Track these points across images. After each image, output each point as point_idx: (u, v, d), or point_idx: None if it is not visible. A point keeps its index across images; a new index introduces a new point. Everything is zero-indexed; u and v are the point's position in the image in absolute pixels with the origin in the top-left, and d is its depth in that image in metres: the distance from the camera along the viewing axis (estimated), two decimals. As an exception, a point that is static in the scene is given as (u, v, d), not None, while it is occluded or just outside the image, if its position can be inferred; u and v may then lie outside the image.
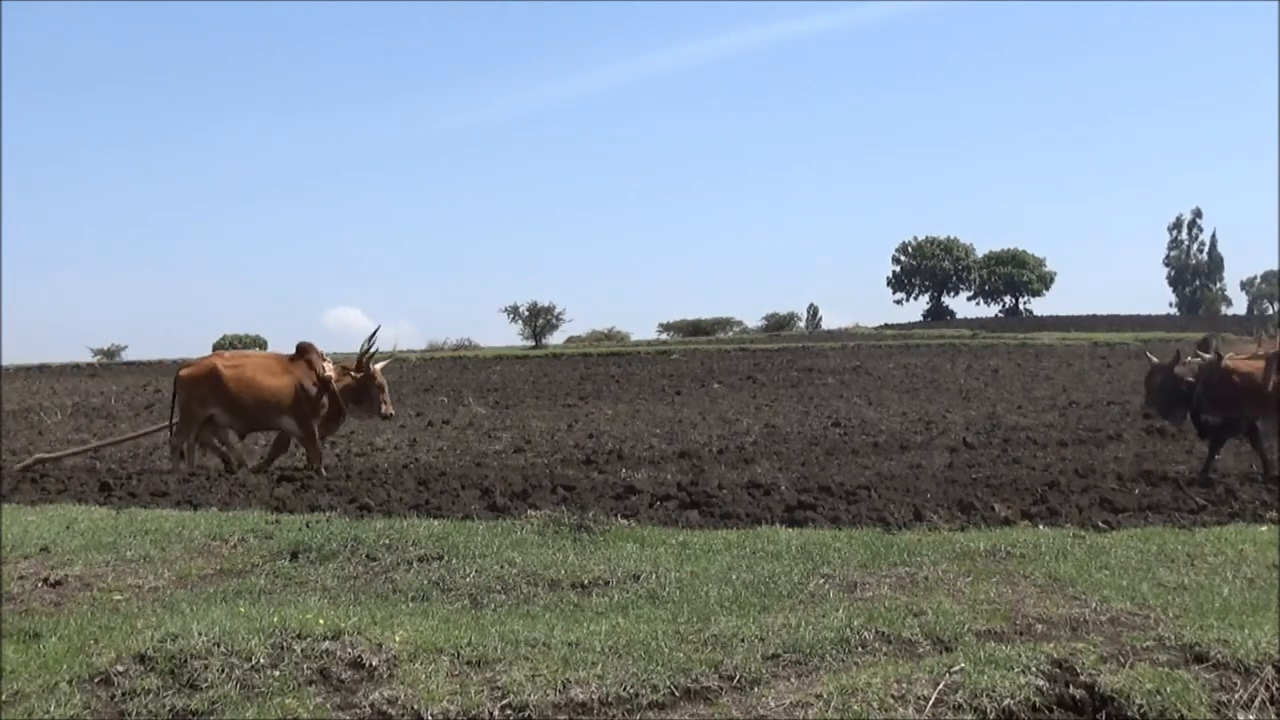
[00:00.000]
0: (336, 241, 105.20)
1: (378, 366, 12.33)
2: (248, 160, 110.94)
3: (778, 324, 56.67)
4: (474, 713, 4.05)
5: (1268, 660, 4.44)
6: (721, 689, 4.23)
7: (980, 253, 72.51)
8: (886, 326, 55.29)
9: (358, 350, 12.57)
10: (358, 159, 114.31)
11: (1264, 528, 7.42)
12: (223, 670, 4.28)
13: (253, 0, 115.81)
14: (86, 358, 42.79)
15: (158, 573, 6.27)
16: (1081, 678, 4.29)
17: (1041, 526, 7.45)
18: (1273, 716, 4.26)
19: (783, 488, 9.51)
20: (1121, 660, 4.43)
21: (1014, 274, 70.62)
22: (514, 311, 48.24)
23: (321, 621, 4.71)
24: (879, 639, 4.66)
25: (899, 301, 74.52)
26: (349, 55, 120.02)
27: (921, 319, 67.77)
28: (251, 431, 12.88)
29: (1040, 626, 4.90)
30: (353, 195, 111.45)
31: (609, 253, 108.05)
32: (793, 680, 4.29)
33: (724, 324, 54.99)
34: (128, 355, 44.37)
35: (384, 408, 12.28)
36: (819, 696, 4.10)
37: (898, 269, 74.55)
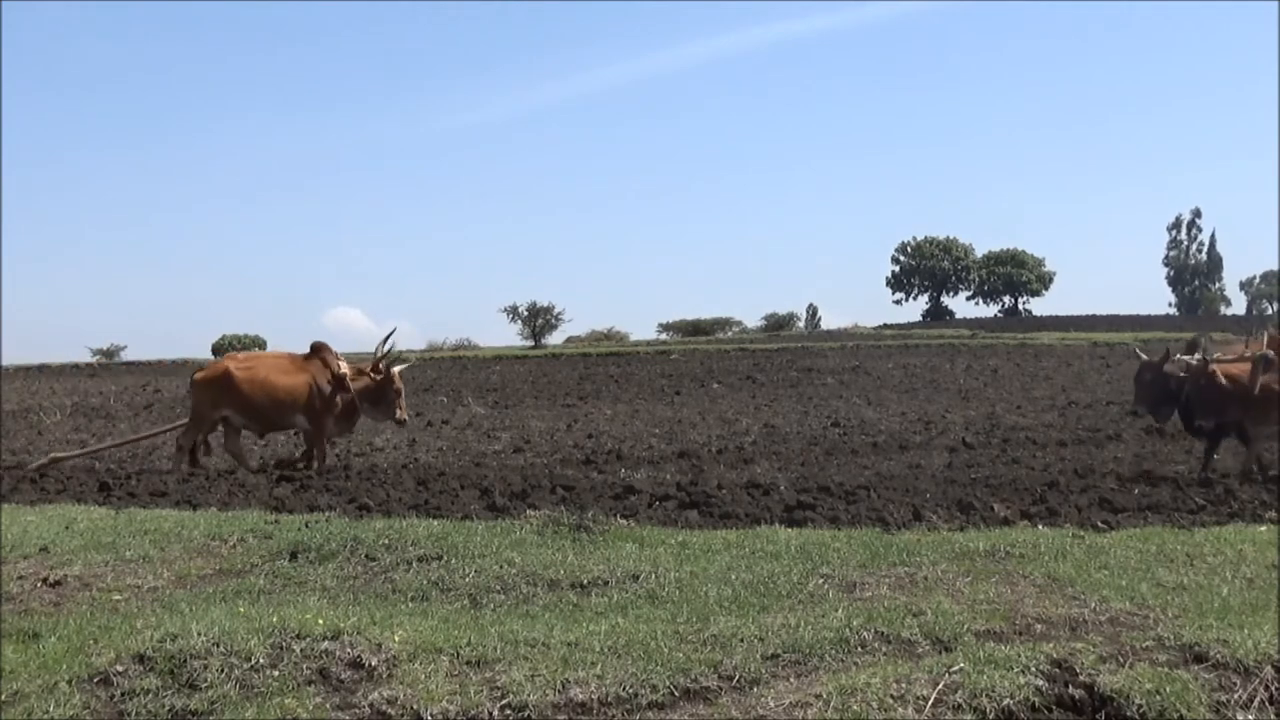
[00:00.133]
0: (336, 241, 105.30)
1: (397, 370, 12.34)
2: (248, 160, 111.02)
3: (777, 324, 56.66)
4: (473, 713, 4.05)
5: (1267, 660, 4.44)
6: (721, 689, 4.23)
7: (980, 253, 72.53)
8: (886, 326, 55.29)
9: (369, 351, 12.58)
10: (358, 159, 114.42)
11: (1263, 528, 7.43)
12: (222, 670, 4.28)
13: (253, 0, 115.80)
14: (86, 358, 42.83)
15: (157, 573, 6.27)
16: (1081, 678, 4.29)
17: (1041, 526, 7.45)
18: (1272, 716, 4.26)
19: (782, 488, 9.51)
20: (1121, 660, 4.44)
21: (1013, 274, 70.62)
22: (513, 311, 48.27)
23: (321, 621, 4.71)
24: (878, 639, 4.66)
25: (898, 301, 74.61)
26: (349, 55, 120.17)
27: (921, 319, 67.76)
28: (269, 432, 12.88)
29: (1040, 626, 4.90)
30: (353, 195, 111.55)
31: (609, 253, 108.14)
32: (792, 680, 4.29)
33: (723, 324, 54.99)
34: (127, 355, 44.46)
35: (399, 413, 12.27)
36: (818, 696, 4.10)
37: (897, 269, 74.59)
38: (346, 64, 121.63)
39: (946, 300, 73.36)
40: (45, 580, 6.09)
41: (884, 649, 4.59)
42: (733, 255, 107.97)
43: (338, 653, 4.45)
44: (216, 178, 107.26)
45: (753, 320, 57.22)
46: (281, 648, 4.47)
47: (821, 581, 5.75)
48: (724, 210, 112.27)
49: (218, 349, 46.17)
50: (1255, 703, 4.27)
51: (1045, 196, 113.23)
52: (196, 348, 52.20)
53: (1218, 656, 4.46)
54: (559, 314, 48.58)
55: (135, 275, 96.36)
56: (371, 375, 12.15)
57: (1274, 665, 4.43)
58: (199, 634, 4.52)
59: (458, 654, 4.46)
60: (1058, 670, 4.33)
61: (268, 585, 5.97)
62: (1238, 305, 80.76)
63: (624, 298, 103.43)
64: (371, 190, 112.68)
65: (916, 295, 74.26)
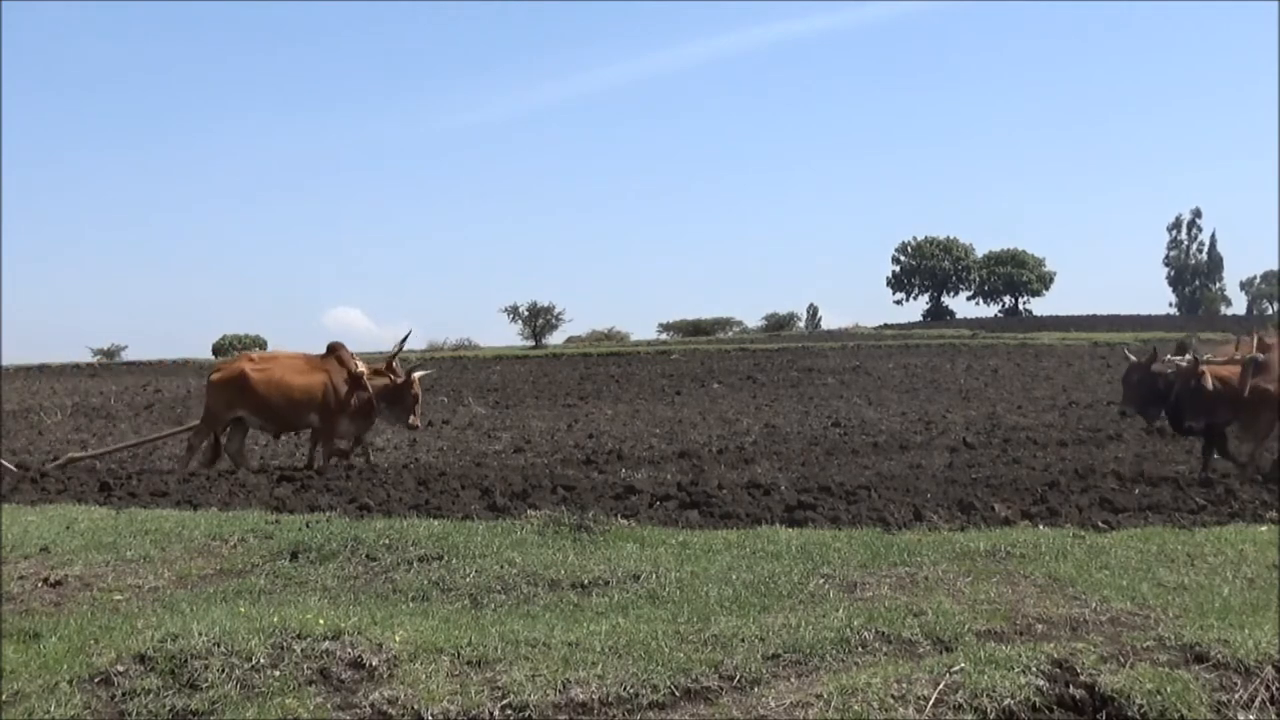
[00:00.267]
0: (336, 241, 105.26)
1: (418, 376, 12.37)
2: (248, 160, 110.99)
3: (778, 324, 56.63)
4: (474, 713, 4.05)
5: (1268, 660, 4.44)
6: (721, 689, 4.23)
7: (980, 253, 72.48)
8: (886, 326, 55.26)
9: (369, 351, 12.60)
10: (358, 159, 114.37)
11: (1264, 528, 7.42)
12: (223, 670, 4.29)
13: (253, 0, 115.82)
14: (86, 358, 42.80)
15: (158, 573, 6.28)
16: (1081, 678, 4.29)
17: (1041, 526, 7.45)
18: (1273, 716, 4.26)
19: (783, 488, 9.51)
20: (1121, 660, 4.43)
21: (1014, 274, 70.59)
22: (514, 311, 48.24)
23: (321, 621, 4.71)
24: (879, 639, 4.66)
25: (899, 301, 74.56)
26: (349, 55, 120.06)
27: (921, 319, 67.75)
28: (284, 432, 12.89)
29: (1040, 626, 4.90)
30: (353, 195, 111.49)
31: (609, 253, 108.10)
32: (793, 680, 4.29)
33: (724, 324, 54.96)
34: (128, 355, 44.41)
35: (413, 418, 12.30)
36: (819, 696, 4.10)
37: (897, 269, 74.55)
38: (346, 64, 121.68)
39: (947, 300, 73.39)
40: (46, 580, 6.10)
41: (885, 649, 4.59)
42: (733, 255, 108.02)
43: (338, 653, 4.45)
44: (216, 178, 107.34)
45: (753, 320, 57.25)
46: (282, 648, 4.47)
47: (822, 581, 5.75)
48: (724, 210, 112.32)
49: (218, 349, 46.21)
50: (1256, 703, 4.27)
51: (1045, 196, 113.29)
52: (197, 348, 52.28)
53: (1218, 656, 4.45)
54: (559, 314, 48.61)
55: (135, 275, 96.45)
56: (392, 377, 12.18)
57: (1275, 665, 4.43)
58: (200, 634, 4.52)
59: (458, 654, 4.46)
60: (1058, 670, 4.33)
61: (268, 585, 5.97)
62: (1238, 305, 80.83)
63: (624, 298, 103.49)
64: (371, 190, 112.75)
65: (917, 295, 74.27)
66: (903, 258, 74.20)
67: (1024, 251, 71.70)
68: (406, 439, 14.94)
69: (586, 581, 5.80)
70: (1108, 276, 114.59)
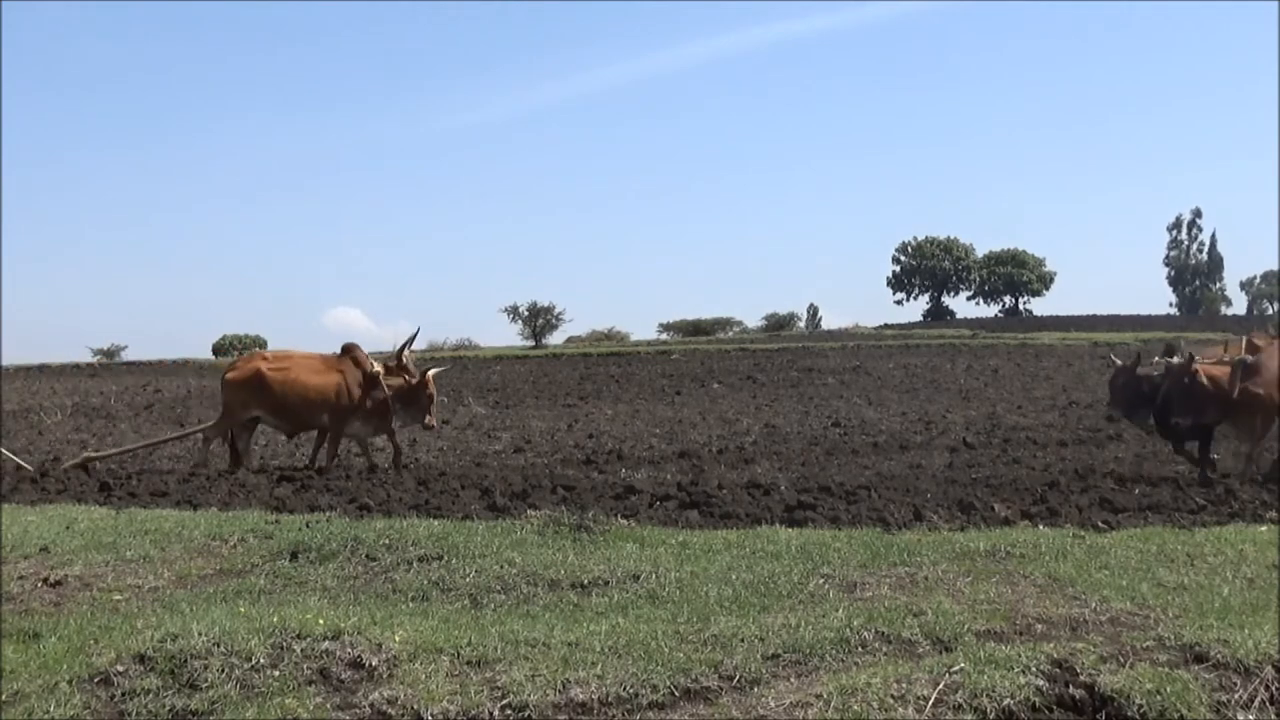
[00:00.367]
0: (336, 241, 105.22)
1: (431, 374, 12.37)
2: (248, 160, 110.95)
3: (778, 324, 56.64)
4: (474, 713, 4.05)
5: (1268, 660, 4.44)
6: (721, 689, 4.23)
7: (980, 253, 72.50)
8: (886, 326, 55.27)
9: (372, 351, 12.62)
10: (358, 159, 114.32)
11: (1264, 528, 7.43)
12: (223, 670, 4.28)
13: (253, 0, 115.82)
14: (86, 358, 42.80)
15: (158, 573, 6.28)
16: (1081, 678, 4.29)
17: (1041, 526, 7.45)
18: (1273, 716, 4.26)
19: (783, 488, 9.51)
20: (1121, 660, 4.43)
21: (1014, 274, 70.60)
22: (514, 311, 48.24)
23: (321, 621, 4.71)
24: (879, 639, 4.66)
25: (899, 301, 74.58)
26: (349, 55, 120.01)
27: (921, 319, 67.76)
28: (299, 431, 12.89)
29: (1040, 626, 4.90)
30: (353, 195, 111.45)
31: (609, 253, 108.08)
32: (793, 680, 4.29)
33: (724, 324, 54.96)
34: (128, 355, 44.41)
35: (428, 418, 12.32)
36: (819, 696, 4.10)
37: (897, 269, 74.56)
38: (346, 64, 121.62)
39: (947, 300, 73.41)
40: (46, 580, 6.10)
41: (884, 649, 4.59)
42: (733, 255, 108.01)
43: (338, 653, 4.45)
44: (216, 178, 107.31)
45: (753, 320, 57.26)
46: (282, 648, 4.47)
47: (822, 581, 5.75)
48: (724, 210, 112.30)
49: (218, 349, 46.23)
50: (1256, 703, 4.27)
51: (1045, 196, 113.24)
52: (197, 348, 52.28)
53: (1218, 656, 4.45)
54: (559, 314, 48.61)
55: (135, 275, 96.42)
56: (407, 378, 12.20)
57: (1274, 665, 4.43)
58: (199, 634, 4.52)
59: (458, 654, 4.46)
60: (1058, 670, 4.33)
61: (268, 585, 5.97)
62: (1238, 305, 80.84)
63: (624, 298, 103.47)
64: (371, 190, 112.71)
65: (917, 295, 74.30)
66: (903, 258, 74.22)
67: (1024, 251, 71.74)
68: (406, 439, 14.94)
69: (586, 581, 5.80)
70: (1108, 276, 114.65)
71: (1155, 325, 47.19)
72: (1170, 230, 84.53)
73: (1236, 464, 10.87)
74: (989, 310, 71.34)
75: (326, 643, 4.51)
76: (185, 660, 4.34)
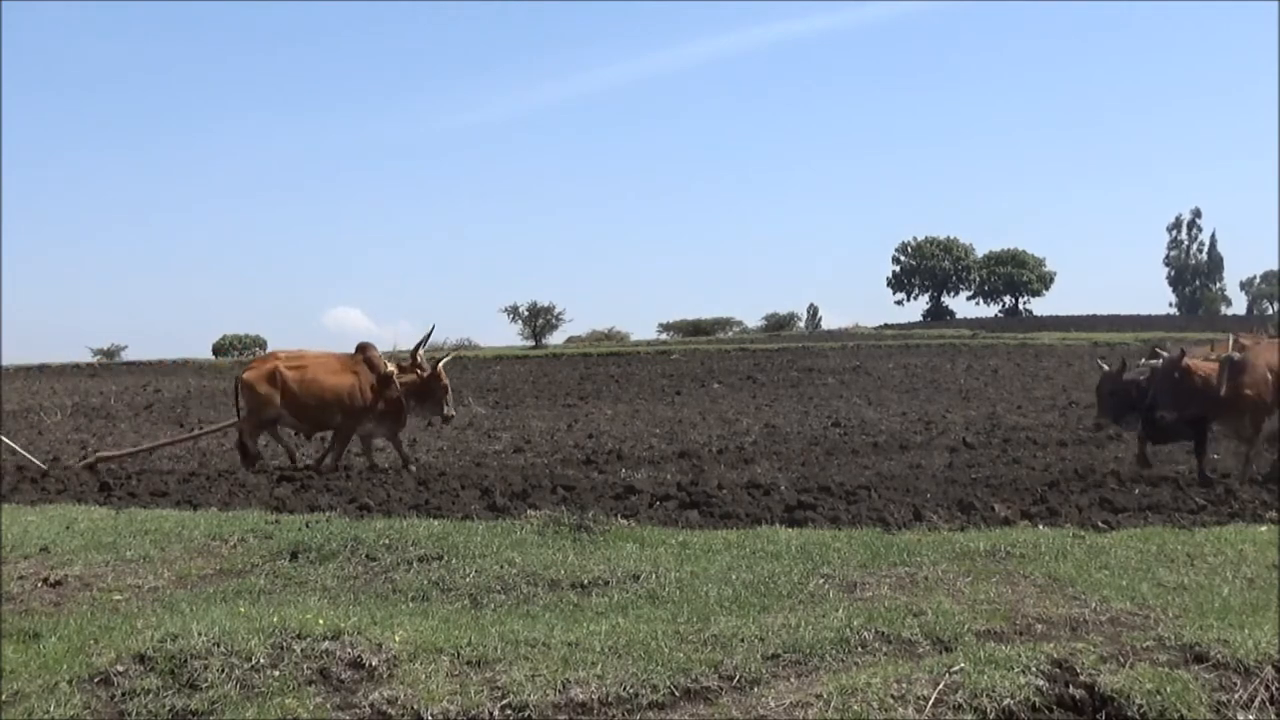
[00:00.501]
0: (336, 241, 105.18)
1: (443, 365, 12.42)
2: (248, 160, 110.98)
3: (778, 324, 56.65)
4: (474, 713, 4.05)
5: (1267, 660, 4.44)
6: (721, 689, 4.23)
7: (980, 253, 72.54)
8: (886, 326, 55.30)
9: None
10: (358, 159, 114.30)
11: (1264, 528, 7.43)
12: (223, 670, 4.28)
13: (253, 0, 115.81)
14: (86, 358, 42.81)
15: (158, 573, 6.28)
16: (1081, 678, 4.29)
17: (1041, 526, 7.45)
18: (1273, 716, 4.26)
19: (782, 488, 9.51)
20: (1121, 660, 4.43)
21: (1014, 274, 70.62)
22: (514, 311, 48.25)
23: (321, 621, 4.71)
24: (879, 639, 4.66)
25: (899, 302, 74.62)
26: (349, 55, 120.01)
27: (921, 319, 67.79)
28: (316, 432, 12.89)
29: (1040, 626, 4.90)
30: (353, 195, 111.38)
31: (609, 253, 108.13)
32: (793, 680, 4.29)
33: (724, 324, 54.97)
34: (128, 355, 44.42)
35: (446, 408, 12.37)
36: (819, 696, 4.10)
37: (897, 269, 74.59)
38: (346, 64, 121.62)
39: (947, 300, 73.45)
40: (46, 580, 6.10)
41: (884, 649, 4.59)
42: (733, 255, 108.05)
43: (338, 653, 4.45)
44: (216, 178, 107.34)
45: (753, 320, 57.29)
46: (282, 648, 4.47)
47: (822, 581, 5.75)
48: (724, 210, 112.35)
49: (218, 349, 46.25)
50: (1256, 703, 4.27)
51: (1045, 196, 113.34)
52: (197, 348, 52.29)
53: (1218, 656, 4.45)
54: (559, 314, 48.62)
55: (135, 275, 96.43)
56: (418, 372, 12.22)
57: (1274, 665, 4.43)
58: (199, 634, 4.52)
59: (458, 654, 4.46)
60: (1058, 670, 4.33)
61: (268, 585, 5.97)
62: (1238, 305, 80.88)
63: (624, 298, 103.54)
64: (371, 190, 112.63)
65: (917, 295, 74.33)
66: (903, 258, 74.24)
67: (1024, 251, 71.76)
68: (406, 439, 14.93)
69: (586, 581, 5.80)
70: (1108, 276, 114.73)
71: (1155, 325, 47.21)
72: (1170, 230, 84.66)
73: (1236, 464, 10.87)
74: (989, 310, 71.45)
75: (326, 643, 4.51)
76: (185, 660, 4.34)
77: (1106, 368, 11.55)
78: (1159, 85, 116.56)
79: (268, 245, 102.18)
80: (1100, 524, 7.54)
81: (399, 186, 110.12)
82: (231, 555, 6.65)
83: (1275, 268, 79.83)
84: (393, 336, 46.89)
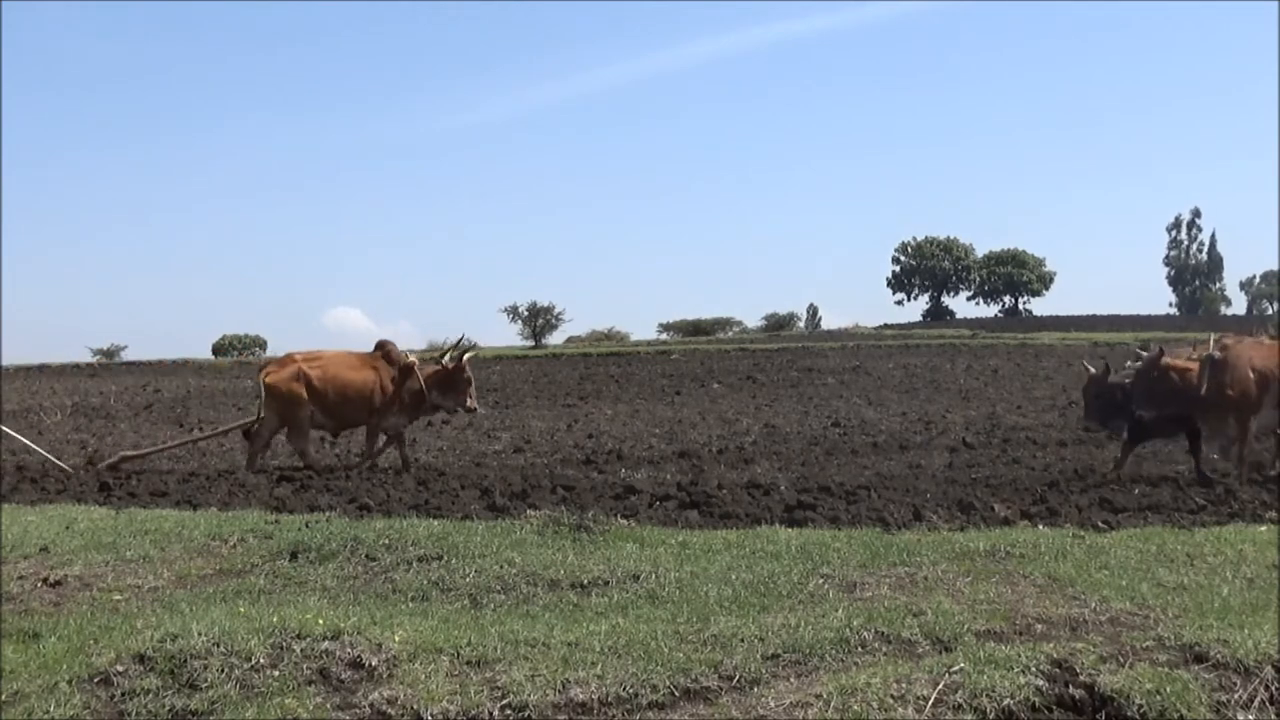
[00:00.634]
0: (336, 241, 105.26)
1: (468, 357, 12.56)
2: (248, 160, 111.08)
3: (778, 324, 56.67)
4: (474, 713, 4.05)
5: (1267, 660, 4.44)
6: (721, 689, 4.23)
7: (980, 253, 72.59)
8: (886, 326, 55.31)
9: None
10: (358, 159, 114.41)
11: (1263, 528, 7.43)
12: (222, 670, 4.28)
13: (253, 0, 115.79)
14: (86, 358, 42.81)
15: (157, 573, 6.27)
16: (1081, 678, 4.29)
17: (1041, 526, 7.45)
18: (1272, 716, 4.26)
19: (782, 488, 9.51)
20: (1121, 660, 4.43)
21: (1014, 274, 70.65)
22: (514, 311, 48.27)
23: (321, 621, 4.71)
24: (879, 639, 4.66)
25: (899, 302, 74.69)
26: (349, 55, 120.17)
27: (921, 319, 67.81)
28: (343, 429, 12.92)
29: (1040, 626, 4.90)
30: (353, 195, 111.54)
31: (609, 253, 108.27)
32: (792, 680, 4.29)
33: (724, 324, 55.00)
34: (128, 355, 44.44)
35: (469, 400, 12.45)
36: (819, 696, 4.10)
37: (897, 269, 74.64)
38: (346, 64, 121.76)
39: (947, 300, 73.51)
40: (45, 580, 6.09)
41: (884, 649, 4.59)
42: (733, 255, 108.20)
43: (338, 653, 4.44)
44: (216, 178, 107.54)
45: (753, 320, 57.34)
46: (282, 648, 4.47)
47: (822, 581, 5.75)
48: (724, 210, 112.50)
49: (218, 349, 46.26)
50: (1255, 703, 4.27)
51: (1045, 196, 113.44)
52: (196, 348, 52.26)
53: (1218, 656, 4.45)
54: (559, 314, 48.65)
55: (135, 275, 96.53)
56: (444, 364, 12.35)
57: (1274, 665, 4.43)
58: (199, 634, 4.52)
59: (458, 654, 4.46)
60: (1058, 670, 4.33)
61: (268, 585, 5.96)
62: (1238, 305, 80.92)
63: (624, 298, 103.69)
64: (371, 190, 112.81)
65: (917, 295, 74.38)
66: (903, 258, 74.28)
67: (1024, 251, 71.82)
68: (406, 439, 14.93)
69: (586, 581, 5.80)
70: (1108, 276, 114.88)
71: (1155, 325, 47.20)
72: (1170, 230, 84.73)
73: (1233, 464, 10.86)
74: (989, 310, 71.50)
75: (326, 643, 4.51)
76: (185, 660, 4.34)
77: (1092, 370, 11.52)
78: (1159, 85, 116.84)
79: (268, 245, 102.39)
80: (1100, 524, 7.54)
81: (399, 186, 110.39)
82: (231, 555, 6.65)
83: (1275, 268, 80.00)
84: (393, 337, 46.69)
